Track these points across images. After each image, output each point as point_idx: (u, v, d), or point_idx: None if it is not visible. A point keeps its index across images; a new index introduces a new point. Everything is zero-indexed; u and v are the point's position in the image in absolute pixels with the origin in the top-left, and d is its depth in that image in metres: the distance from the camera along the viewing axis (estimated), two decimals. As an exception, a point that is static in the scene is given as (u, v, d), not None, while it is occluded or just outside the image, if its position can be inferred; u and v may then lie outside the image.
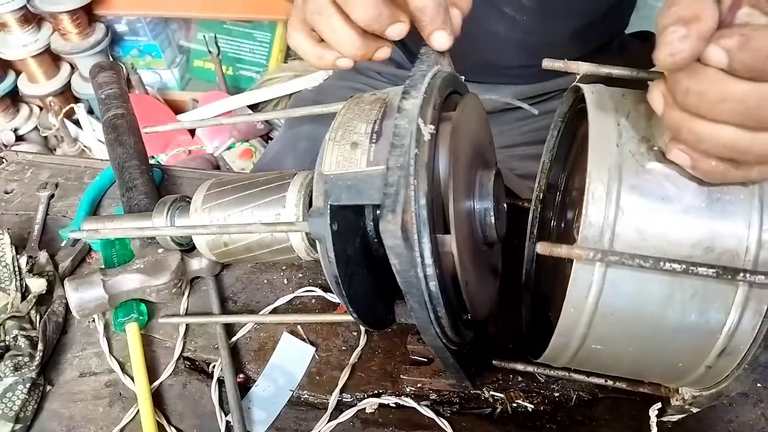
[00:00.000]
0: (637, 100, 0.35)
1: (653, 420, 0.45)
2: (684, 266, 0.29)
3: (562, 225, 0.49)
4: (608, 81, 0.36)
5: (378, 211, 0.43)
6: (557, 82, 0.81)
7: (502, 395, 0.49)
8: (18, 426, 0.48)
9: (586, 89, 0.36)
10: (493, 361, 0.44)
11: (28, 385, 0.50)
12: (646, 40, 0.92)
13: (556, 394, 0.49)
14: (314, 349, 0.52)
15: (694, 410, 0.42)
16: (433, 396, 0.49)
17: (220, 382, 0.51)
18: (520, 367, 0.44)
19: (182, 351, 0.53)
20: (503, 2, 0.71)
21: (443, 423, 0.47)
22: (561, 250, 0.30)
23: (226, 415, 0.49)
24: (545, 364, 0.42)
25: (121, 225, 0.53)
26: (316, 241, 0.40)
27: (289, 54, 1.84)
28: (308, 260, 0.48)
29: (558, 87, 0.82)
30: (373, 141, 0.38)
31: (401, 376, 0.49)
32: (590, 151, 0.32)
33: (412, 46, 0.82)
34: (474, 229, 0.41)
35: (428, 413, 0.47)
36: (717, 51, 0.25)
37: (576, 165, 0.48)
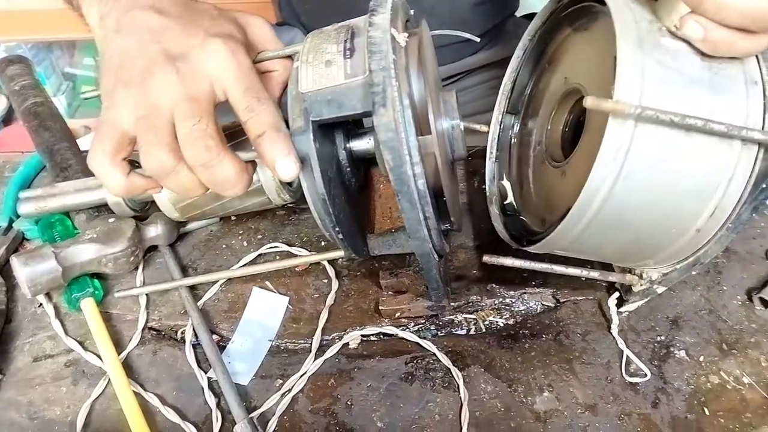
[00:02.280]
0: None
1: (613, 309, 0.49)
2: (703, 122, 0.33)
3: (522, 141, 0.54)
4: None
5: (350, 138, 0.45)
6: (471, 60, 0.87)
7: (473, 316, 0.52)
8: (-30, 418, 0.44)
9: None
10: (484, 257, 0.46)
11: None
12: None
13: (522, 308, 0.52)
14: (287, 299, 0.52)
15: (660, 290, 0.47)
16: (412, 325, 0.51)
17: (194, 346, 0.49)
18: (508, 262, 0.46)
19: (146, 321, 0.51)
20: None
21: (427, 344, 0.49)
22: (607, 105, 0.33)
23: (206, 373, 0.47)
24: (532, 257, 0.45)
25: (68, 192, 0.50)
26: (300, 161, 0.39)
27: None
28: (277, 203, 0.48)
29: (475, 65, 0.89)
30: (347, 57, 0.39)
31: (380, 307, 0.50)
32: (616, 25, 0.35)
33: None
34: (444, 144, 0.44)
35: (412, 337, 0.49)
36: None
37: (549, 72, 0.51)
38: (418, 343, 0.49)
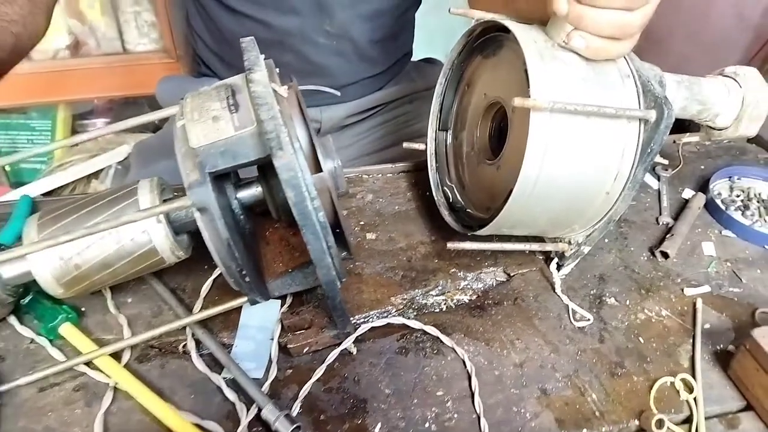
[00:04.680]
0: (533, 28, 0.50)
1: (554, 273, 0.60)
2: (597, 108, 0.45)
3: (455, 151, 0.64)
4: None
5: (237, 189, 0.49)
6: (379, 95, 0.98)
7: (443, 297, 0.60)
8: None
9: (504, 20, 0.51)
10: (448, 244, 0.55)
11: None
12: (435, 63, 1.16)
13: (481, 285, 0.61)
14: (279, 302, 0.57)
15: (587, 250, 0.58)
16: (393, 311, 0.58)
17: (200, 355, 0.52)
18: (468, 245, 0.55)
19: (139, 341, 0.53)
20: (317, 34, 0.85)
21: (413, 322, 0.56)
22: (529, 102, 0.43)
23: (220, 374, 0.51)
24: (485, 240, 0.55)
25: None
26: (198, 214, 0.41)
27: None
28: (171, 262, 0.49)
29: (382, 101, 1.00)
30: (233, 112, 0.42)
31: (288, 346, 0.52)
32: (522, 46, 0.46)
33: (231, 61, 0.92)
34: (330, 183, 0.46)
35: (399, 321, 0.56)
36: None
37: (468, 93, 0.62)
38: (404, 324, 0.56)
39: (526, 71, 0.45)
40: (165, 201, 0.48)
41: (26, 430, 0.46)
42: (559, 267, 0.60)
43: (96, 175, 1.57)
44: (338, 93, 0.57)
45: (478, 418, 0.49)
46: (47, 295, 0.53)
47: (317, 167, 0.45)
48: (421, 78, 1.09)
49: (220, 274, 0.59)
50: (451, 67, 0.61)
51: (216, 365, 0.52)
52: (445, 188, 0.65)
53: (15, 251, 0.42)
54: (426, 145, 0.66)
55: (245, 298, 0.50)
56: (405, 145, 0.66)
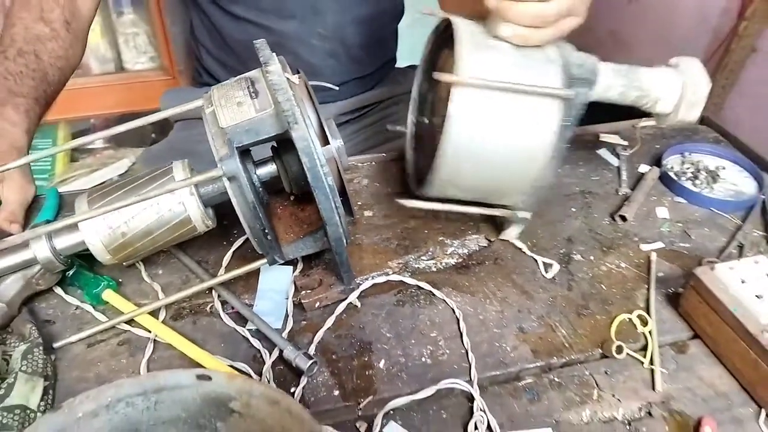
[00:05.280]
0: (475, 22, 0.60)
1: (507, 235, 0.69)
2: (515, 85, 0.54)
3: (432, 132, 0.73)
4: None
5: (256, 167, 0.57)
6: (368, 96, 1.08)
7: (433, 261, 0.69)
8: (47, 383, 0.51)
9: (450, 17, 0.60)
10: (397, 200, 0.64)
11: (42, 348, 0.53)
12: (414, 69, 1.25)
13: (465, 250, 0.70)
14: (291, 267, 0.65)
15: (527, 215, 0.66)
16: (390, 272, 0.66)
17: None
18: (415, 203, 0.63)
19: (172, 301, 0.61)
20: (311, 37, 0.95)
21: (409, 279, 0.64)
22: (445, 77, 0.53)
23: (245, 327, 0.59)
24: (432, 201, 0.63)
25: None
26: (228, 183, 0.50)
27: (73, 155, 1.84)
28: (202, 230, 0.56)
29: (371, 101, 1.09)
30: (254, 98, 0.51)
31: (302, 301, 0.61)
32: (456, 37, 0.56)
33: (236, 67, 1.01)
34: (336, 155, 0.54)
35: (397, 278, 0.65)
36: None
37: (440, 84, 0.71)
38: (401, 281, 0.64)
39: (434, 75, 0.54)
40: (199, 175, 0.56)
41: (80, 379, 0.54)
42: (509, 234, 0.69)
43: (98, 188, 1.64)
44: (336, 87, 0.66)
45: (467, 352, 0.57)
46: (89, 268, 0.61)
47: (325, 143, 0.53)
48: (407, 81, 1.18)
49: (239, 247, 0.68)
50: (425, 59, 0.70)
51: (240, 321, 0.60)
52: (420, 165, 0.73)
53: (72, 218, 0.51)
54: (407, 129, 0.75)
55: (263, 261, 0.59)
56: (389, 126, 0.75)
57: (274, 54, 0.55)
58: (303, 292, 0.62)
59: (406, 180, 0.80)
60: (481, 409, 0.52)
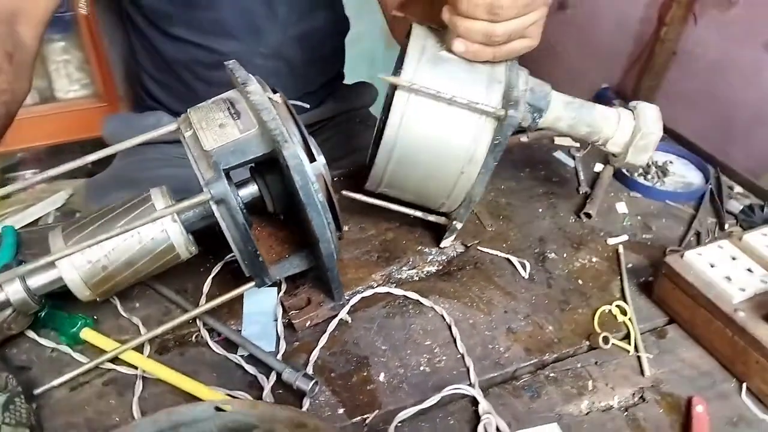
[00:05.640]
0: (436, 32, 0.61)
1: (444, 244, 0.71)
2: (450, 97, 0.56)
3: None
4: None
5: (238, 188, 0.56)
6: (317, 112, 1.08)
7: (415, 270, 0.69)
8: (35, 436, 0.48)
9: (414, 23, 0.61)
10: (343, 192, 0.64)
11: (23, 397, 0.49)
12: (366, 85, 1.27)
13: (444, 257, 0.71)
14: (275, 288, 0.64)
15: (459, 225, 0.67)
16: (375, 285, 0.66)
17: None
18: (357, 196, 0.65)
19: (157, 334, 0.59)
20: (253, 56, 0.94)
21: (396, 290, 0.65)
22: (389, 78, 0.54)
23: (237, 354, 0.57)
24: (375, 197, 0.65)
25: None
26: (215, 207, 0.49)
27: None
28: (185, 257, 0.54)
29: (320, 117, 1.09)
30: (236, 118, 0.50)
31: (293, 321, 0.60)
32: (410, 44, 0.57)
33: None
34: (324, 171, 0.54)
35: (383, 290, 0.65)
36: None
37: None
38: (388, 292, 0.65)
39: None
40: (182, 200, 0.54)
41: (69, 425, 0.51)
42: (440, 240, 0.71)
43: (34, 224, 1.55)
44: (307, 105, 0.65)
45: (462, 356, 0.58)
46: (61, 307, 0.58)
47: (311, 159, 0.53)
48: (356, 97, 1.20)
49: (218, 272, 0.66)
50: (398, 63, 0.71)
51: (230, 348, 0.58)
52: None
53: (49, 257, 0.48)
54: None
55: (247, 285, 0.57)
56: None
57: (250, 74, 0.54)
58: (292, 312, 0.61)
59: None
60: (487, 412, 0.52)
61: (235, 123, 0.50)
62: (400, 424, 0.52)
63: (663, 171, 0.87)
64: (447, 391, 0.54)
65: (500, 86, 0.59)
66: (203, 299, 0.63)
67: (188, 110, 0.54)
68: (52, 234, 0.52)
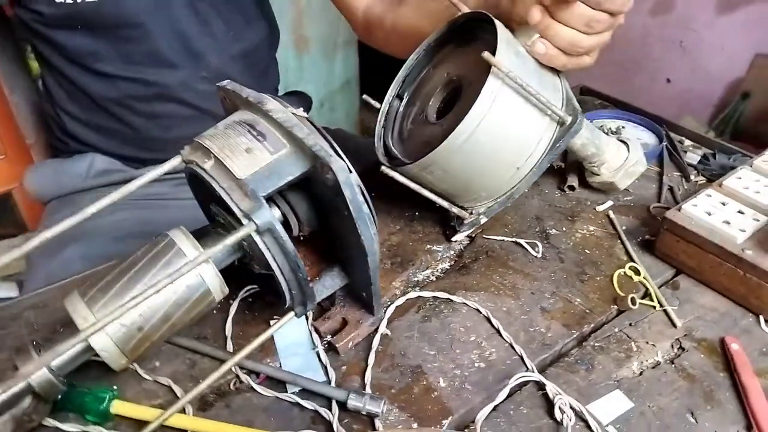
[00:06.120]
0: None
1: (458, 238, 0.71)
2: (536, 92, 0.57)
3: (405, 114, 0.72)
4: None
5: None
6: None
7: (429, 270, 0.68)
8: None
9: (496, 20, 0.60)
10: (381, 168, 0.62)
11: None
12: (301, 95, 1.24)
13: (453, 252, 0.71)
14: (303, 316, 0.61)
15: (484, 220, 0.69)
16: (398, 294, 0.65)
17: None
18: (396, 175, 0.62)
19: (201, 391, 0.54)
20: (195, 81, 0.89)
21: (423, 293, 0.63)
22: (494, 59, 0.54)
23: (288, 392, 0.53)
24: (408, 179, 0.63)
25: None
26: (260, 237, 0.46)
27: None
28: (218, 299, 0.50)
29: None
30: (261, 141, 0.47)
31: (336, 345, 0.57)
32: (499, 32, 0.57)
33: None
34: (360, 184, 0.52)
35: (413, 294, 0.63)
36: None
37: (432, 72, 0.70)
38: (418, 296, 0.63)
39: (484, 59, 0.55)
40: (204, 238, 0.50)
41: None
42: (455, 232, 0.71)
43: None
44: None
45: (511, 344, 0.58)
46: (74, 385, 0.51)
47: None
48: (296, 107, 1.17)
49: (237, 311, 0.61)
50: (426, 48, 0.69)
51: (277, 387, 0.54)
52: (387, 142, 0.72)
53: (84, 333, 0.42)
54: (381, 105, 0.73)
55: (287, 317, 0.54)
56: (364, 96, 0.72)
57: (259, 93, 0.51)
58: (330, 336, 0.58)
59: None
60: (556, 393, 0.53)
61: (263, 145, 0.47)
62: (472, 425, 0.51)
63: (617, 134, 0.92)
64: (514, 381, 0.54)
65: (559, 94, 0.62)
66: (229, 343, 0.58)
67: (199, 140, 0.49)
68: (69, 302, 0.45)
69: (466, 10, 0.64)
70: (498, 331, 0.60)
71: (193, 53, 0.87)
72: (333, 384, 0.54)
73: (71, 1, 0.74)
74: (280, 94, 1.19)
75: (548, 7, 0.58)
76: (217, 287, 0.49)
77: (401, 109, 0.72)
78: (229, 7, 0.87)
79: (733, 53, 1.63)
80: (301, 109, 0.51)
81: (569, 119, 0.61)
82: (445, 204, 0.66)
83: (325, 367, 0.56)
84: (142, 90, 0.88)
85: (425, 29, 0.83)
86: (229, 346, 0.58)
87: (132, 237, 0.87)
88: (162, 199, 0.97)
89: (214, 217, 0.53)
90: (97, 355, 0.46)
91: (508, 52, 0.58)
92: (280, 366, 0.56)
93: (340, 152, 0.48)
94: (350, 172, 0.46)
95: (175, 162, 0.50)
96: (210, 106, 0.92)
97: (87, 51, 0.83)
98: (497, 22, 0.60)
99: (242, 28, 0.92)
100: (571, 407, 0.52)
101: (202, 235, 0.51)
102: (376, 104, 0.72)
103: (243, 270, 0.55)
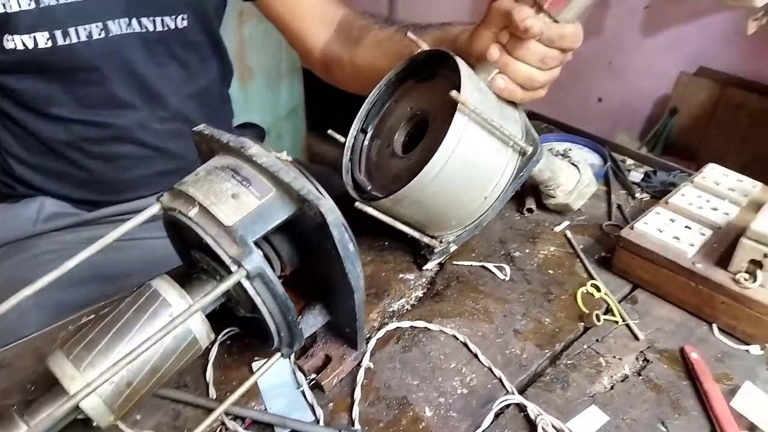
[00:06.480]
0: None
1: (429, 266, 0.74)
2: (499, 126, 0.60)
3: (370, 147, 0.73)
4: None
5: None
6: None
7: (404, 299, 0.70)
8: None
9: (456, 57, 0.62)
10: (356, 204, 0.63)
11: None
12: (253, 127, 1.24)
13: (424, 280, 0.73)
14: (278, 354, 0.60)
15: (453, 248, 0.73)
16: (376, 326, 0.66)
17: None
18: (370, 210, 0.63)
19: (184, 441, 0.53)
20: (153, 122, 0.88)
21: (399, 323, 0.65)
22: (461, 97, 0.56)
23: (276, 434, 0.53)
24: (381, 212, 0.64)
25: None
26: (250, 283, 0.46)
27: None
28: (204, 346, 0.50)
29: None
30: (247, 186, 0.47)
31: (321, 383, 0.57)
32: (462, 69, 0.60)
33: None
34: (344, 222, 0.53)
35: (392, 326, 0.64)
36: (538, 28, 0.58)
37: (394, 106, 0.72)
38: (397, 327, 0.64)
39: (449, 93, 0.58)
40: (188, 285, 0.49)
41: None
42: (426, 261, 0.73)
43: None
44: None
45: (490, 369, 0.60)
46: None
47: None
48: (251, 139, 1.17)
49: (216, 357, 0.60)
50: (387, 83, 0.71)
51: (265, 431, 0.54)
52: (355, 176, 0.73)
53: (76, 396, 0.41)
54: (346, 139, 0.74)
55: (274, 359, 0.54)
56: (330, 132, 0.73)
57: (239, 137, 0.51)
58: (315, 374, 0.58)
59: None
60: (538, 414, 0.55)
61: (249, 190, 0.47)
62: (468, 451, 0.52)
63: (567, 158, 0.97)
64: (497, 406, 0.56)
65: (519, 126, 0.65)
66: (212, 389, 0.57)
67: (180, 187, 0.49)
68: (54, 362, 0.44)
69: (426, 47, 0.67)
70: (476, 356, 0.62)
71: (150, 95, 0.86)
72: (322, 423, 0.54)
73: (23, 48, 0.73)
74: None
75: (505, 45, 0.61)
76: (204, 334, 0.49)
77: (366, 142, 0.74)
78: (185, 49, 0.86)
79: (659, 72, 1.74)
80: (285, 152, 0.52)
81: (530, 149, 0.64)
82: (416, 235, 0.68)
83: (312, 406, 0.56)
84: (97, 132, 0.86)
85: (383, 68, 0.85)
86: (212, 393, 0.57)
87: (88, 282, 0.84)
88: (117, 240, 0.94)
89: (195, 262, 0.53)
90: (82, 413, 0.44)
91: (471, 89, 0.61)
92: (266, 408, 0.56)
93: (325, 194, 0.49)
94: (338, 212, 0.47)
95: (154, 210, 0.50)
96: (167, 145, 0.91)
97: (39, 95, 0.81)
98: (459, 60, 0.63)
99: (198, 68, 0.92)
100: (553, 426, 0.54)
101: (184, 282, 0.51)
102: (341, 138, 0.74)
103: (222, 312, 0.54)
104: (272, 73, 2.10)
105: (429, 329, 0.65)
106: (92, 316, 0.65)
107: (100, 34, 0.76)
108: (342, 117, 0.76)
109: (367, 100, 0.73)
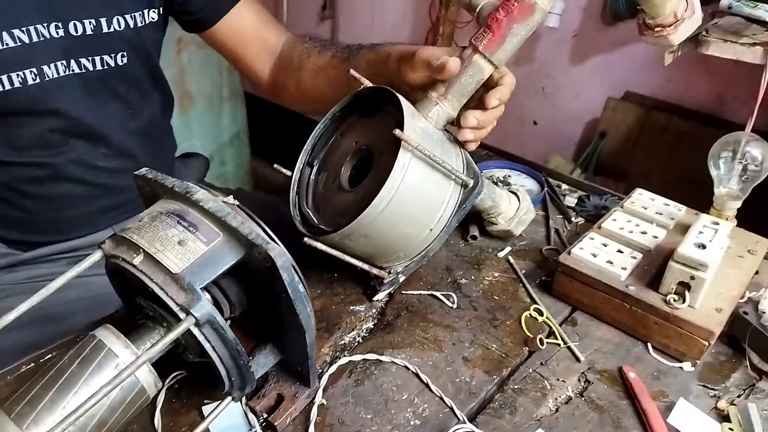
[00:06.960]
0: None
1: (379, 297, 0.75)
2: (441, 161, 0.62)
3: (317, 181, 0.74)
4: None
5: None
6: None
7: (355, 331, 0.70)
8: None
9: (399, 96, 0.64)
10: (305, 239, 0.63)
11: None
12: (194, 156, 1.23)
13: (374, 311, 0.74)
14: (229, 398, 0.60)
15: (402, 278, 0.74)
16: (328, 360, 0.66)
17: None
18: (319, 245, 0.64)
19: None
20: (95, 160, 0.86)
21: (348, 359, 0.65)
22: (405, 136, 0.58)
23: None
24: (331, 247, 0.65)
25: None
26: (200, 330, 0.46)
27: None
28: (152, 395, 0.49)
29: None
30: (194, 231, 0.47)
31: (275, 423, 0.57)
32: (405, 108, 0.62)
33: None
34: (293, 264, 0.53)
35: (343, 362, 0.65)
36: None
37: (340, 140, 0.73)
38: (349, 361, 0.65)
39: (393, 132, 0.59)
40: (132, 334, 0.48)
41: None
42: (375, 292, 0.75)
43: None
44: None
45: (441, 398, 0.62)
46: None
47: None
48: (189, 171, 1.16)
49: (164, 403, 0.59)
50: (332, 117, 0.72)
51: (218, 476, 0.53)
52: (303, 209, 0.74)
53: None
54: (292, 173, 0.74)
55: (225, 403, 0.53)
56: (275, 166, 0.73)
57: (184, 182, 0.51)
58: (267, 414, 0.58)
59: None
60: (488, 440, 0.57)
61: (196, 236, 0.47)
62: (424, 483, 0.53)
63: (507, 184, 1.01)
64: (450, 436, 0.57)
65: (461, 160, 0.68)
66: (162, 435, 0.56)
67: (123, 234, 0.48)
68: None
69: (368, 84, 0.69)
70: (427, 386, 0.63)
71: (88, 134, 0.84)
72: (275, 464, 0.54)
73: None
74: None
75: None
76: (152, 383, 0.48)
77: (312, 176, 0.75)
78: (125, 85, 0.85)
79: (588, 97, 1.84)
80: (231, 196, 0.52)
81: (471, 182, 0.67)
82: (365, 267, 0.69)
83: (266, 447, 0.56)
84: (35, 172, 0.83)
85: (327, 93, 0.87)
86: (163, 440, 0.56)
87: (27, 325, 0.80)
88: (48, 281, 0.91)
89: (140, 308, 0.52)
90: (25, 475, 0.42)
91: (414, 126, 0.63)
92: (218, 453, 0.55)
93: (274, 236, 0.50)
94: (288, 256, 0.47)
95: (95, 257, 0.49)
96: (112, 181, 0.88)
97: None
98: (401, 98, 0.65)
99: (139, 104, 0.90)
100: (504, 452, 0.56)
101: (129, 329, 0.50)
102: (287, 172, 0.74)
103: (169, 355, 0.53)
104: (213, 99, 2.08)
105: (381, 361, 0.66)
106: (32, 365, 0.62)
107: (35, 80, 0.74)
108: (286, 140, 0.76)
109: (312, 134, 0.74)
